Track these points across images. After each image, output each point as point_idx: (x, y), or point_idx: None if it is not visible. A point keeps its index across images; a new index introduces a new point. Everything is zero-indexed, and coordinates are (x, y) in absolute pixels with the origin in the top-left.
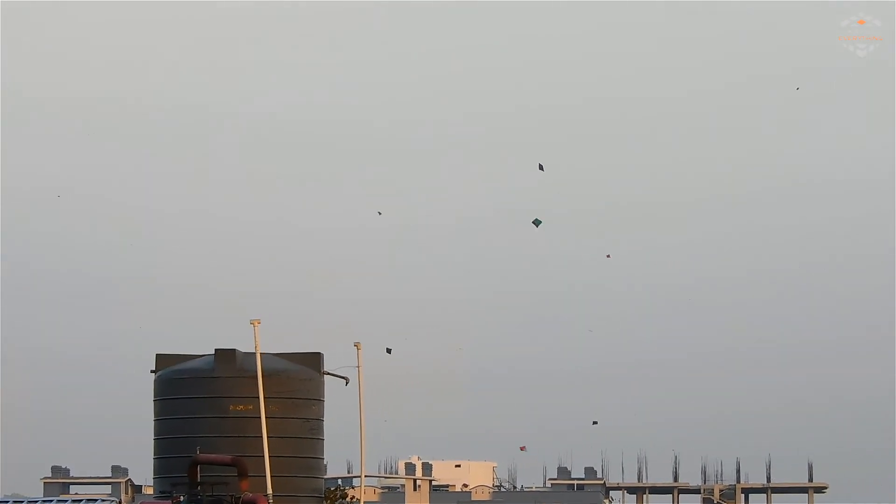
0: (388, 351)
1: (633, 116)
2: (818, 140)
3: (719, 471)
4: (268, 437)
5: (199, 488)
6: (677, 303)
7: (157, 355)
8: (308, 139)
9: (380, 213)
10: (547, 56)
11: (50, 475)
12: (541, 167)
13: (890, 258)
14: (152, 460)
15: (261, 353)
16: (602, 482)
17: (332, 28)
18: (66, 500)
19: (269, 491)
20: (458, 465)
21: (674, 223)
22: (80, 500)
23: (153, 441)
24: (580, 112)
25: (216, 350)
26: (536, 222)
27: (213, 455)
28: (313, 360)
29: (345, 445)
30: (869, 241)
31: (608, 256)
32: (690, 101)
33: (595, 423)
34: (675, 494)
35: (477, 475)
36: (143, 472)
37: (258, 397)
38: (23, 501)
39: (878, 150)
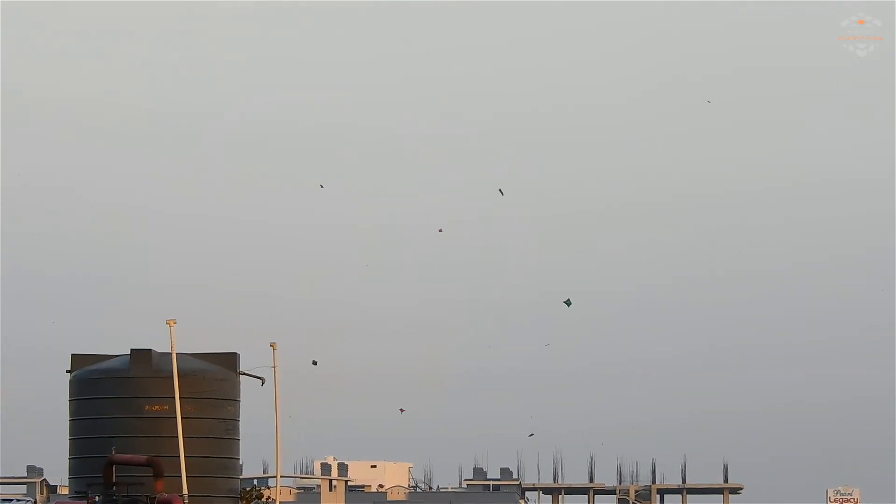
0: (314, 363)
1: (629, 117)
2: (818, 140)
3: (635, 471)
4: (183, 437)
5: (114, 488)
6: (594, 310)
7: (72, 355)
8: (287, 141)
9: (322, 186)
10: (536, 59)
11: None
12: (501, 192)
13: (871, 258)
14: (68, 460)
15: (177, 353)
16: (518, 483)
17: (323, 30)
18: None
19: (185, 491)
20: (374, 466)
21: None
22: None
23: (69, 441)
24: (570, 113)
25: (132, 350)
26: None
27: (128, 455)
28: (229, 361)
29: (261, 445)
30: (861, 241)
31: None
32: (690, 101)
33: (532, 434)
34: (591, 495)
35: (393, 476)
36: (59, 472)
37: (174, 397)
38: None
39: (878, 150)
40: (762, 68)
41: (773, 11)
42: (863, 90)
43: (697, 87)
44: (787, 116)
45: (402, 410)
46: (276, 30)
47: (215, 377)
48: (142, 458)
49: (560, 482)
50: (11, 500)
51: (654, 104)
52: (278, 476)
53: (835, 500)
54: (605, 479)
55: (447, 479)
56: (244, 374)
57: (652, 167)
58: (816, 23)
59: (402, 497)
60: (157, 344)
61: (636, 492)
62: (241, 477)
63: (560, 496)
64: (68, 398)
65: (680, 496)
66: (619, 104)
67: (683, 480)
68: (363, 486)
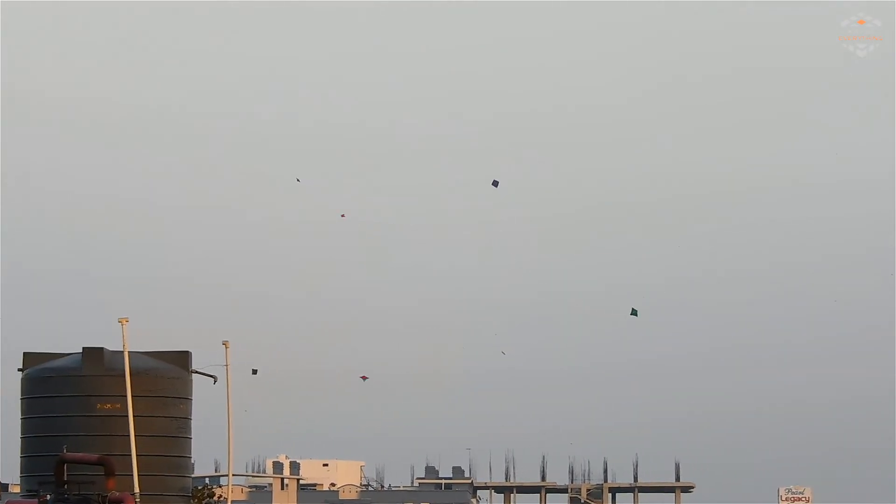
0: (254, 372)
1: (629, 116)
2: (818, 140)
3: (587, 470)
4: (135, 435)
5: (66, 487)
6: (547, 313)
7: (24, 353)
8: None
9: (298, 180)
10: (536, 58)
11: None
12: (495, 183)
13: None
14: (19, 458)
15: (129, 352)
16: (470, 481)
17: (324, 31)
18: None
19: (137, 490)
20: (326, 465)
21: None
22: None
23: (20, 439)
24: (570, 113)
25: (84, 348)
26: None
27: (80, 454)
28: (181, 359)
29: (213, 444)
30: (860, 241)
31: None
32: (690, 101)
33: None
34: (543, 494)
35: (345, 474)
36: (10, 471)
37: (126, 396)
38: None
39: (878, 150)
40: (762, 68)
41: (773, 11)
42: (863, 90)
43: (697, 87)
44: (788, 116)
45: (364, 378)
46: (275, 29)
47: (167, 376)
48: (93, 456)
49: (512, 481)
50: None
51: (655, 104)
52: (230, 475)
53: (786, 499)
54: (557, 477)
55: (399, 478)
56: (196, 372)
57: (652, 167)
58: (816, 23)
59: (354, 496)
60: (110, 342)
61: (588, 490)
62: (192, 476)
63: (512, 495)
64: (20, 396)
65: (632, 495)
66: (619, 104)
67: (635, 479)
68: (315, 485)
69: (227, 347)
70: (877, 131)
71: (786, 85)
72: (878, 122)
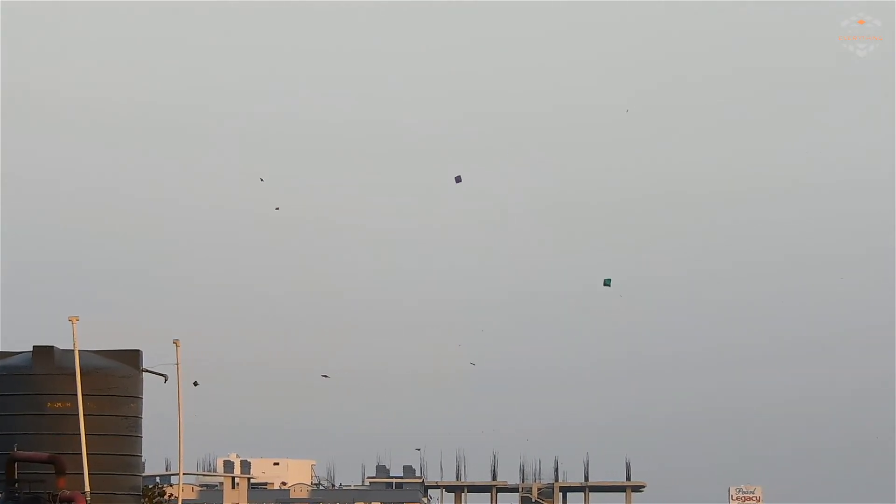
0: (195, 384)
1: (629, 116)
2: (817, 139)
3: (537, 469)
4: (86, 434)
5: (16, 486)
6: (499, 310)
7: None
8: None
9: (262, 180)
10: (536, 58)
11: None
12: (458, 179)
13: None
14: None
15: (79, 351)
16: (421, 481)
17: (324, 30)
18: None
19: (87, 489)
20: (277, 464)
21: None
22: None
23: None
24: (570, 113)
25: (34, 347)
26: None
27: (30, 452)
28: (132, 358)
29: (163, 443)
30: (858, 240)
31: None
32: (690, 101)
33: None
34: (494, 493)
35: (296, 473)
36: None
37: (76, 395)
38: None
39: (878, 150)
40: (762, 68)
41: (772, 11)
42: (863, 90)
43: (697, 86)
44: (787, 116)
45: (325, 376)
46: (274, 29)
47: (118, 374)
48: (44, 455)
49: (463, 480)
50: None
51: (655, 103)
52: (181, 473)
53: (737, 498)
54: (508, 477)
55: (350, 477)
56: (147, 371)
57: (651, 166)
58: (816, 23)
59: (304, 495)
60: (60, 341)
61: (539, 490)
62: (143, 474)
63: (463, 494)
64: None
65: (583, 494)
66: (619, 104)
67: (586, 478)
68: (266, 484)
69: (177, 346)
70: (876, 131)
71: (785, 85)
72: (878, 122)
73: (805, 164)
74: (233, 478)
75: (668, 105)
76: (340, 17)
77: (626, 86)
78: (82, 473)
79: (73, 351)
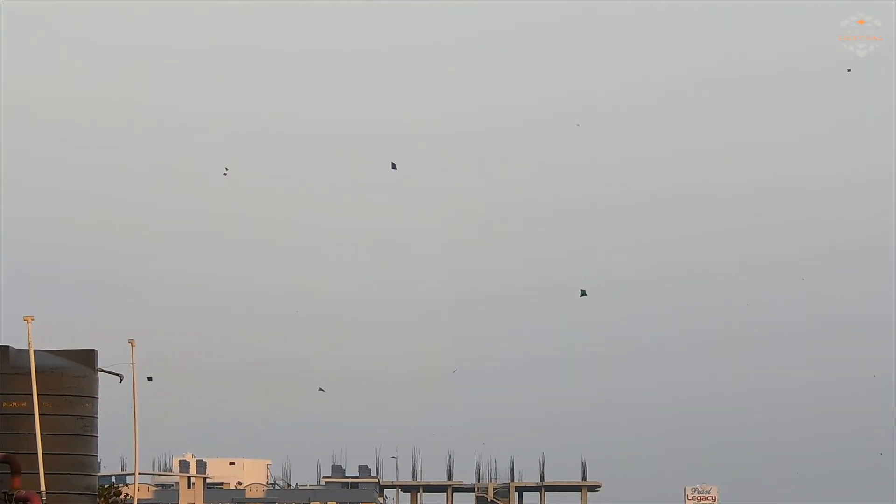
0: (149, 379)
1: (630, 115)
2: (817, 139)
3: (493, 469)
4: (41, 434)
5: None
6: (451, 309)
7: None
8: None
9: (226, 171)
10: (537, 47)
11: None
12: (393, 166)
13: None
14: None
15: (34, 350)
16: (376, 480)
17: (324, 29)
18: None
19: (43, 488)
20: (233, 463)
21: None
22: None
23: None
24: (567, 105)
25: None
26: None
27: None
28: (87, 358)
29: (119, 442)
30: (857, 239)
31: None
32: (691, 101)
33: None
34: (450, 493)
35: (251, 473)
36: None
37: (31, 394)
38: None
39: (878, 149)
40: (762, 68)
41: (773, 12)
42: (863, 90)
43: (697, 86)
44: (787, 116)
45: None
46: (274, 29)
47: (73, 374)
48: None
49: (419, 479)
50: None
51: (655, 103)
52: (136, 473)
53: (692, 498)
54: (464, 476)
55: (306, 477)
56: (102, 371)
57: (649, 163)
58: (816, 23)
59: (260, 494)
60: (14, 341)
61: (495, 489)
62: (99, 474)
63: (419, 494)
64: None
65: (538, 494)
66: (620, 103)
67: (542, 478)
68: (222, 484)
69: (133, 346)
70: (876, 131)
71: (785, 84)
72: (877, 122)
73: (804, 164)
74: (188, 477)
75: (666, 104)
76: (334, 18)
77: (627, 85)
78: (38, 473)
79: (28, 351)
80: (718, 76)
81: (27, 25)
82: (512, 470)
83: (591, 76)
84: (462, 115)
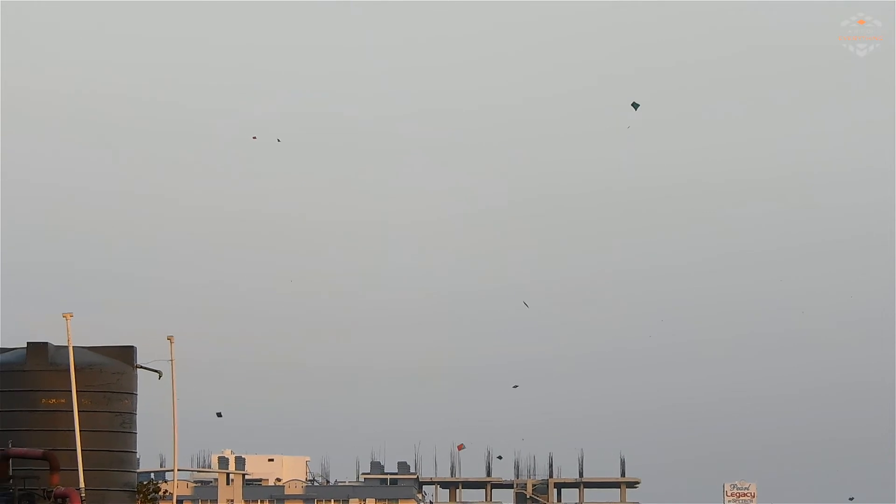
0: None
1: (630, 114)
2: (817, 139)
3: (532, 466)
4: (80, 430)
5: (10, 482)
6: (491, 304)
7: None
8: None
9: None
10: (525, 52)
11: None
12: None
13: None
14: None
15: (73, 347)
16: (415, 477)
17: (324, 28)
18: None
19: (82, 485)
20: (272, 460)
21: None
22: None
23: None
24: (563, 105)
25: (28, 343)
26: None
27: (24, 449)
28: (126, 354)
29: (158, 439)
30: (856, 239)
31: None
32: (691, 102)
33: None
34: (489, 489)
35: (290, 469)
36: None
37: (70, 391)
38: None
39: (878, 149)
40: (762, 68)
41: (773, 12)
42: (863, 90)
43: (698, 85)
44: (787, 116)
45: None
46: (272, 27)
47: (112, 371)
48: (38, 451)
49: (457, 476)
50: None
51: (655, 102)
52: (175, 469)
53: (731, 495)
54: (503, 473)
55: (344, 473)
56: (141, 367)
57: (648, 162)
58: (816, 23)
59: (299, 491)
60: (54, 337)
61: (534, 486)
62: (137, 471)
63: (457, 490)
64: None
65: (577, 490)
66: (619, 103)
67: (581, 474)
68: (260, 480)
69: (171, 342)
70: (876, 131)
71: (785, 84)
72: (877, 122)
73: (804, 164)
74: (227, 474)
75: (665, 103)
76: (338, 15)
77: (627, 85)
78: (77, 470)
79: (67, 347)
80: (718, 76)
81: (31, 21)
82: (551, 466)
83: (591, 77)
84: (460, 113)
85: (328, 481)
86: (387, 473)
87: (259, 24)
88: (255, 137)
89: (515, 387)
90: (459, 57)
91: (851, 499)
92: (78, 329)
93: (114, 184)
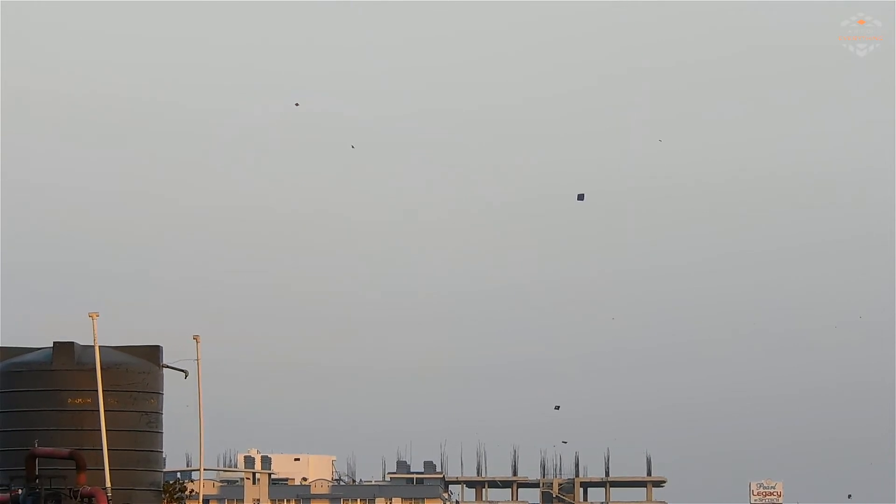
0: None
1: (631, 114)
2: (817, 139)
3: (558, 465)
4: (106, 430)
5: (37, 481)
6: (518, 301)
7: None
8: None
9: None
10: (526, 51)
11: None
12: None
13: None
14: None
15: (99, 346)
16: (441, 476)
17: (323, 28)
18: None
19: (108, 484)
20: (298, 459)
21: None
22: None
23: None
24: (569, 105)
25: (55, 343)
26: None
27: (50, 448)
28: (152, 354)
29: (184, 438)
30: (855, 239)
31: (557, 407)
32: (691, 102)
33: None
34: (514, 488)
35: (316, 468)
36: None
37: (97, 390)
38: None
39: (878, 149)
40: (762, 68)
41: (773, 12)
42: (863, 90)
43: (697, 85)
44: (787, 115)
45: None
46: (273, 26)
47: (138, 370)
48: (64, 451)
49: (483, 475)
50: None
51: (655, 101)
52: (201, 469)
53: (757, 494)
54: (529, 472)
55: (370, 472)
56: (167, 366)
57: (648, 162)
58: (816, 23)
59: (325, 490)
60: (80, 337)
61: (560, 485)
62: (164, 470)
63: (483, 489)
64: None
65: (603, 489)
66: (620, 102)
67: (607, 473)
68: (286, 479)
69: (198, 342)
70: (876, 131)
71: (786, 85)
72: (877, 122)
73: (804, 164)
74: (253, 473)
75: (664, 103)
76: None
77: (628, 84)
78: (103, 469)
79: (93, 347)
80: (717, 76)
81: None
82: (577, 465)
83: (591, 77)
84: (460, 113)
85: (354, 481)
86: (413, 473)
87: (259, 24)
88: (297, 104)
89: (557, 408)
90: (459, 57)
91: (850, 496)
92: (104, 329)
93: (114, 183)
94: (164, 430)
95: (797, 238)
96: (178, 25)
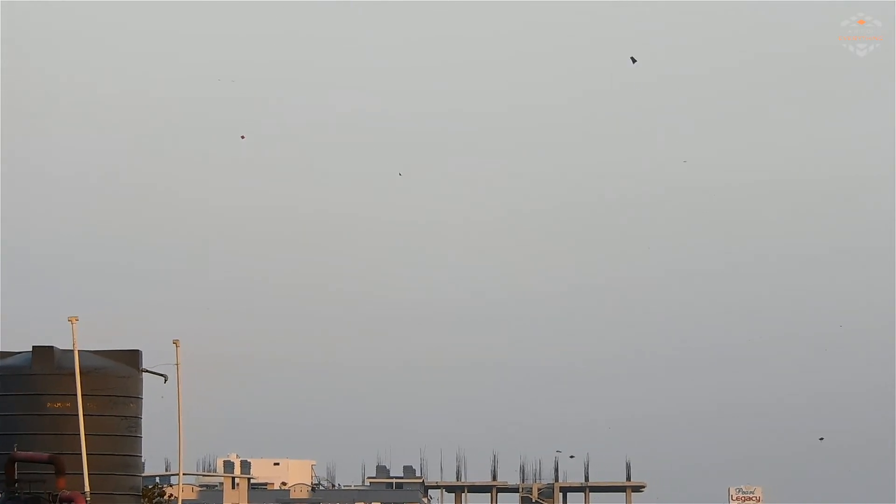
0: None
1: (631, 113)
2: (817, 139)
3: (538, 470)
4: (85, 434)
5: (16, 486)
6: (498, 308)
7: None
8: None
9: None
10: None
11: None
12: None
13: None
14: None
15: (79, 351)
16: (421, 481)
17: (323, 27)
18: None
19: (87, 489)
20: (277, 464)
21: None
22: None
23: None
24: (571, 111)
25: (34, 347)
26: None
27: (30, 453)
28: (132, 358)
29: (163, 443)
30: (854, 239)
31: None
32: (690, 100)
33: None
34: (494, 493)
35: (296, 473)
36: None
37: (76, 395)
38: None
39: (878, 149)
40: (762, 68)
41: (773, 12)
42: (863, 90)
43: (697, 86)
44: (787, 116)
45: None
46: (274, 26)
47: (117, 374)
48: (44, 455)
49: (463, 480)
50: None
51: (655, 101)
52: (181, 473)
53: (737, 499)
54: (508, 477)
55: (350, 477)
56: (147, 371)
57: (648, 164)
58: (816, 23)
59: (305, 495)
60: (60, 341)
61: (539, 490)
62: (143, 475)
63: (463, 494)
64: None
65: (583, 494)
66: (620, 102)
67: (586, 479)
68: (266, 484)
69: (177, 346)
70: (876, 131)
71: (786, 85)
72: (877, 122)
73: (804, 164)
74: (233, 478)
75: (664, 104)
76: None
77: (628, 84)
78: (82, 473)
79: (72, 351)
80: (717, 76)
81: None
82: (556, 470)
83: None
84: (489, 115)
85: (334, 485)
86: (392, 478)
87: (259, 24)
88: (243, 137)
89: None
90: (460, 57)
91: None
92: (84, 332)
93: (114, 183)
94: (143, 435)
95: (780, 248)
96: (178, 25)
